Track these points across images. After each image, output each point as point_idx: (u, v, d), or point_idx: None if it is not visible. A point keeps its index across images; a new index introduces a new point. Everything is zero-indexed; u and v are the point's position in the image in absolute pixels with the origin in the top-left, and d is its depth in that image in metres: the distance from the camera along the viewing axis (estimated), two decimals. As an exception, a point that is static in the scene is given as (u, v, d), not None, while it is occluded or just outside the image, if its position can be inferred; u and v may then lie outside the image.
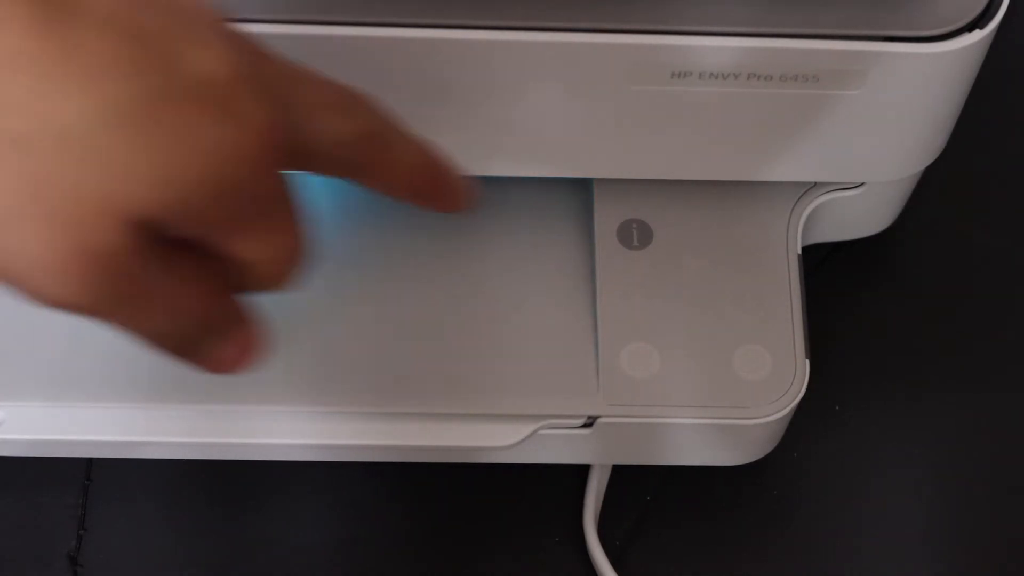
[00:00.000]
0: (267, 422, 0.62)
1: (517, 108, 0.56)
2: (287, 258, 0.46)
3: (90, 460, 0.68)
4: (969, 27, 0.54)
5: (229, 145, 0.42)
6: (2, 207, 0.40)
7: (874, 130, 0.59)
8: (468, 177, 0.53)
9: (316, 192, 0.59)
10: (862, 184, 0.65)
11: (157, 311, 0.44)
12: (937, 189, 0.72)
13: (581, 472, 0.68)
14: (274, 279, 0.46)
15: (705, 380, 0.62)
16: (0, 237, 0.41)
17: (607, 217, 0.64)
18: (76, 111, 0.40)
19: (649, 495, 0.69)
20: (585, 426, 0.62)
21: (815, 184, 0.65)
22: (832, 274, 0.72)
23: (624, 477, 0.68)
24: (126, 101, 0.40)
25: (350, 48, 0.54)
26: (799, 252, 0.64)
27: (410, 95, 0.55)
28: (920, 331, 0.72)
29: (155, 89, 0.41)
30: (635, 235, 0.64)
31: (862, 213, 0.68)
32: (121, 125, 0.40)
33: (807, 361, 0.62)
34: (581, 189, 0.65)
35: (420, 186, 0.51)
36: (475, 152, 0.57)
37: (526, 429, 0.62)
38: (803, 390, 0.62)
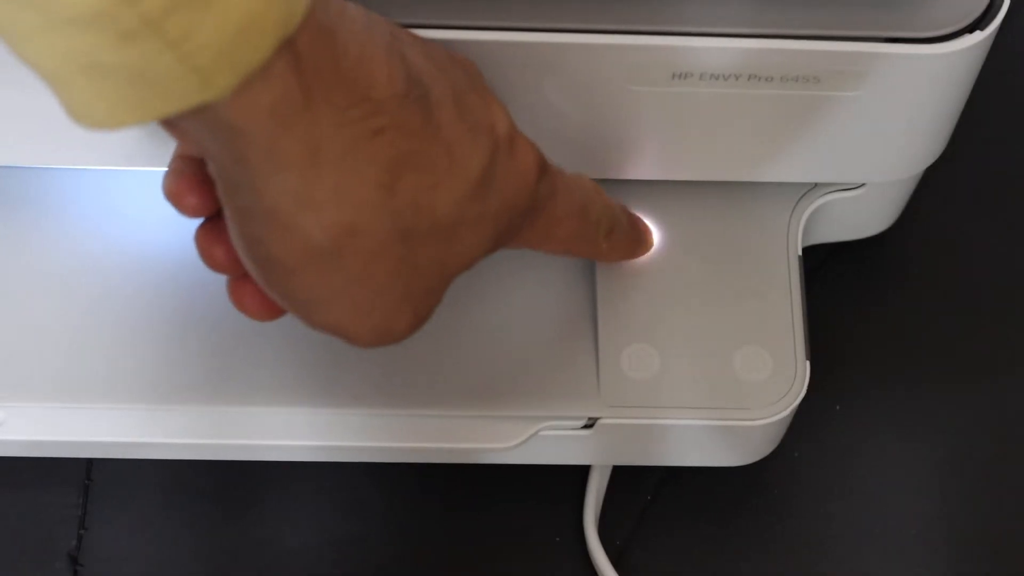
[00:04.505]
0: (267, 422, 0.62)
1: (517, 108, 0.56)
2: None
3: (90, 460, 0.68)
4: (970, 28, 0.54)
5: (521, 182, 0.48)
6: (369, 246, 0.44)
7: (874, 131, 0.59)
8: (648, 229, 0.63)
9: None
10: (862, 185, 0.65)
11: None
12: (937, 189, 0.72)
13: (581, 472, 0.68)
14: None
15: (705, 381, 0.62)
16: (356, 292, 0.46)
17: (607, 217, 0.64)
18: (446, 198, 0.45)
19: (649, 495, 0.69)
20: (586, 427, 0.62)
21: (815, 185, 0.65)
22: (832, 275, 0.72)
23: (624, 477, 0.68)
24: (479, 173, 0.45)
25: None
26: (799, 253, 0.64)
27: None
28: (920, 331, 0.72)
29: (491, 155, 0.46)
30: (635, 235, 0.64)
31: (863, 214, 0.68)
32: (474, 198, 0.46)
33: (807, 362, 0.62)
34: (581, 189, 0.65)
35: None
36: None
37: (527, 430, 0.62)
38: (803, 391, 0.62)
